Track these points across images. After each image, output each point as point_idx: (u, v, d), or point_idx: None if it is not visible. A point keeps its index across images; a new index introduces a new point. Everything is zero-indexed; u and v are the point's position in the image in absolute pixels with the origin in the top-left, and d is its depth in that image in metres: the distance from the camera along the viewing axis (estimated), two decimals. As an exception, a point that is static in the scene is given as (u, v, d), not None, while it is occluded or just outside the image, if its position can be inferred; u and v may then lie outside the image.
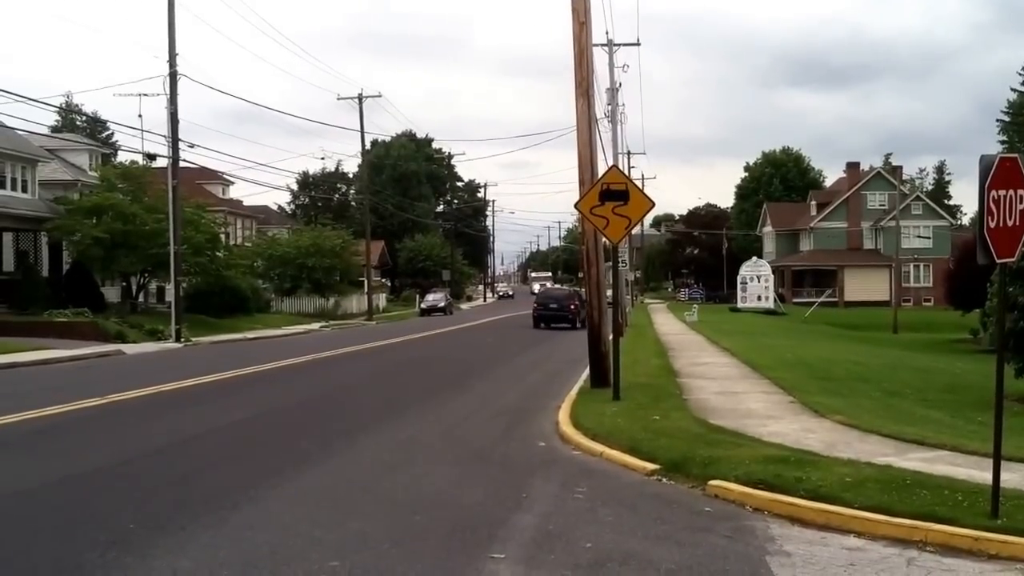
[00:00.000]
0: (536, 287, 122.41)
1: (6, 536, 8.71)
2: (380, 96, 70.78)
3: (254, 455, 13.27)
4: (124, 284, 52.49)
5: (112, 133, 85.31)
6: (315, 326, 57.24)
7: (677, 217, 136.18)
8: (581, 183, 19.61)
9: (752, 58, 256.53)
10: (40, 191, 48.66)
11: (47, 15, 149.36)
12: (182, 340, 40.31)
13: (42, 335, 36.69)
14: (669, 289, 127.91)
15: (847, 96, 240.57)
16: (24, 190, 46.86)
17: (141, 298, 53.90)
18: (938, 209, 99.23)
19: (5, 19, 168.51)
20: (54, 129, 70.30)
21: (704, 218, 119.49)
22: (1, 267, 47.93)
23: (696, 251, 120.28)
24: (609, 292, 21.29)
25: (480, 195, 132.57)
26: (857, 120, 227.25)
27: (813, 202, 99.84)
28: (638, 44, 55.85)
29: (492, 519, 9.39)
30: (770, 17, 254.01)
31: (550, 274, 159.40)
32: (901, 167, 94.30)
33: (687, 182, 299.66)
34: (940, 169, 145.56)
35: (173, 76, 41.36)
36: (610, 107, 54.34)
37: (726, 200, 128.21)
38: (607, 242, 18.83)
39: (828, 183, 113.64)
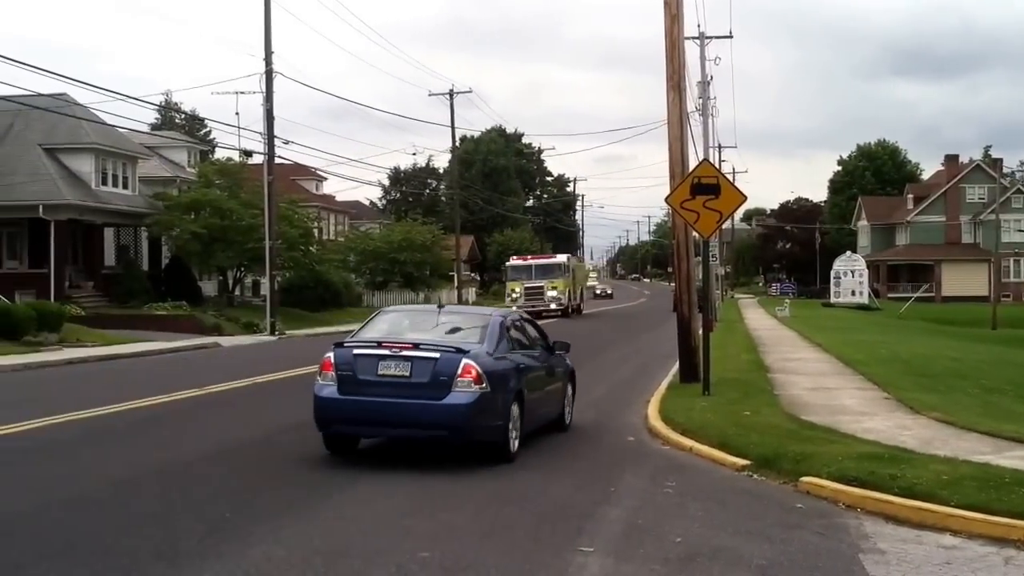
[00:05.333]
0: (518, 291, 58.82)
1: (108, 523, 8.98)
2: (471, 92, 71.13)
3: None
4: (221, 278, 53.54)
5: (210, 130, 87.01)
6: (406, 320, 57.56)
7: (769, 211, 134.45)
8: (672, 177, 19.50)
9: (855, 48, 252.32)
10: (140, 187, 49.85)
11: (148, 14, 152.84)
12: (276, 333, 41.05)
13: (142, 328, 37.67)
14: (760, 284, 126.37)
15: (953, 87, 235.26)
16: (125, 186, 48.03)
17: (237, 292, 54.90)
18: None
19: (109, 19, 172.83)
20: (154, 127, 72.15)
21: (796, 212, 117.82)
22: (103, 261, 49.20)
23: (788, 246, 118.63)
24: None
25: (570, 190, 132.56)
26: (961, 112, 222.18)
27: (910, 195, 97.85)
28: (731, 37, 55.05)
29: (580, 512, 9.42)
30: (876, 6, 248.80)
31: (559, 261, 62.83)
32: (1001, 159, 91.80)
33: (779, 176, 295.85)
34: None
35: (269, 74, 42.09)
36: (702, 100, 53.87)
37: (819, 194, 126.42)
38: (697, 236, 18.68)
39: (927, 176, 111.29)
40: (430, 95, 70.44)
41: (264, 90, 42.19)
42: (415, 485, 10.70)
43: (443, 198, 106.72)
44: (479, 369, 11.63)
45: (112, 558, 7.75)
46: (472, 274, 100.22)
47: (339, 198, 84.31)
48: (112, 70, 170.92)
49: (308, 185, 74.24)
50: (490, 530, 8.74)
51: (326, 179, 76.14)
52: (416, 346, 11.88)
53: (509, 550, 8.09)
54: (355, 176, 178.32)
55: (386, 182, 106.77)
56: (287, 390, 20.44)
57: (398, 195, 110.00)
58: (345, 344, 12.28)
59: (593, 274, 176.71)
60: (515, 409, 12.31)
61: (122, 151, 47.74)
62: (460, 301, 70.53)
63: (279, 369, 23.66)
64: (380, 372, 11.75)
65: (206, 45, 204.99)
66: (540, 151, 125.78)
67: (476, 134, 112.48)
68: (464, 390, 11.55)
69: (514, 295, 58.16)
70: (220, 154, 67.90)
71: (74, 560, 7.71)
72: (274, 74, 42.26)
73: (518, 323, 14.11)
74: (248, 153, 48.83)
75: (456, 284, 73.02)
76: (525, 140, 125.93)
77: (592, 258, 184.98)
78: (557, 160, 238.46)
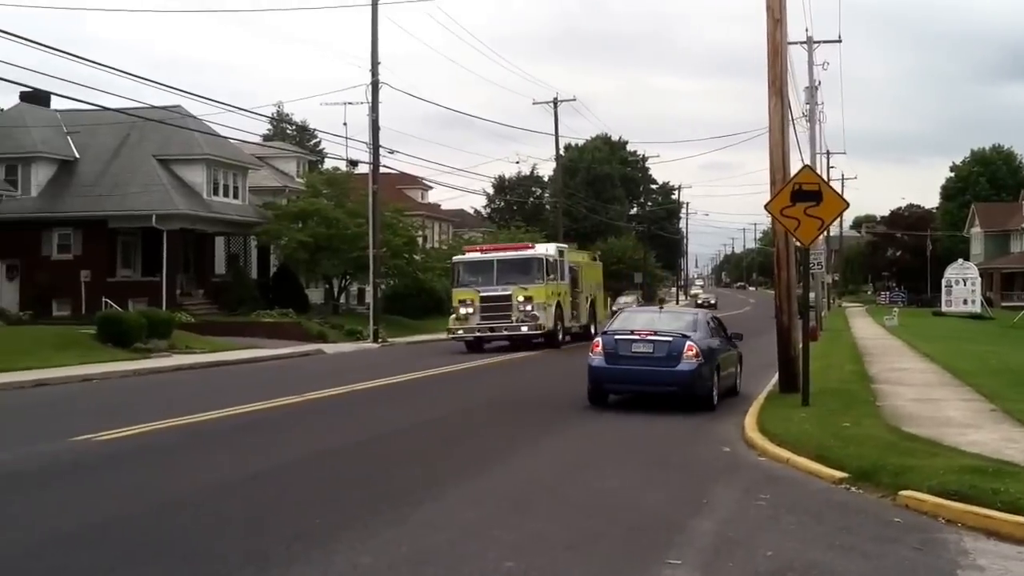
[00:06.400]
0: (471, 304, 35.16)
1: (201, 526, 9.17)
2: (575, 100, 70.98)
3: (439, 454, 13.52)
4: (327, 286, 54.44)
5: (319, 141, 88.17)
6: (507, 328, 57.80)
7: (879, 218, 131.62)
8: (772, 184, 19.22)
9: (969, 51, 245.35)
10: (250, 197, 50.98)
11: (263, 28, 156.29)
12: (379, 340, 41.56)
13: (250, 335, 38.51)
14: (869, 292, 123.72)
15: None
16: (235, 196, 49.16)
17: (342, 300, 55.72)
18: None
19: (227, 34, 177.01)
20: (265, 137, 73.54)
21: (907, 219, 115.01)
22: (214, 270, 50.43)
23: (898, 253, 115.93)
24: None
25: (674, 197, 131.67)
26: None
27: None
28: (839, 41, 53.78)
29: (671, 524, 9.31)
30: (992, 7, 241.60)
31: (539, 254, 36.82)
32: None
33: (890, 182, 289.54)
34: None
35: (375, 85, 42.69)
36: (808, 106, 52.98)
37: (931, 200, 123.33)
38: (798, 244, 18.38)
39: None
40: (534, 104, 70.49)
41: (370, 101, 42.83)
42: (505, 495, 10.71)
43: (547, 206, 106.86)
44: (698, 348, 17.47)
45: (201, 563, 7.89)
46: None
47: (444, 207, 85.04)
48: (226, 83, 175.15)
49: (414, 194, 75.02)
50: (577, 541, 8.69)
51: (431, 188, 76.94)
52: (656, 333, 17.94)
53: (596, 561, 8.03)
54: (460, 185, 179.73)
55: (490, 190, 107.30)
56: (387, 397, 20.71)
57: (502, 203, 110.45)
58: (607, 332, 18.64)
59: (699, 282, 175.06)
60: (715, 376, 18.04)
61: (233, 162, 48.89)
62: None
63: (381, 376, 23.93)
64: (633, 350, 17.80)
65: (317, 57, 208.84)
66: (644, 159, 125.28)
67: (581, 142, 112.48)
68: (689, 361, 17.39)
69: (462, 312, 35.13)
70: (328, 164, 68.99)
71: (163, 565, 7.88)
72: (380, 85, 42.93)
73: (711, 320, 20.12)
74: (354, 163, 49.56)
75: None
76: (629, 148, 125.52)
77: (696, 266, 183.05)
78: (662, 167, 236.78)
